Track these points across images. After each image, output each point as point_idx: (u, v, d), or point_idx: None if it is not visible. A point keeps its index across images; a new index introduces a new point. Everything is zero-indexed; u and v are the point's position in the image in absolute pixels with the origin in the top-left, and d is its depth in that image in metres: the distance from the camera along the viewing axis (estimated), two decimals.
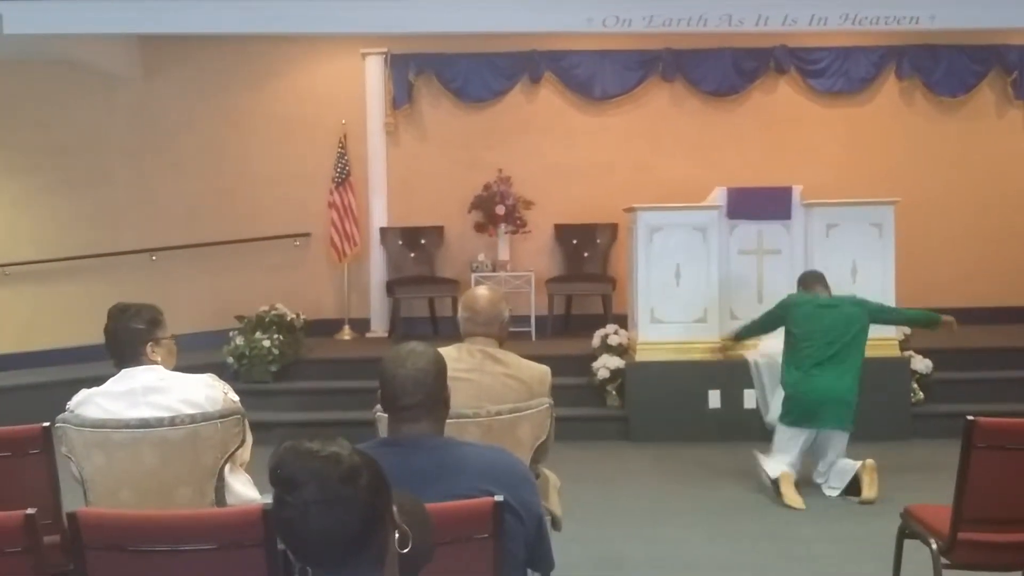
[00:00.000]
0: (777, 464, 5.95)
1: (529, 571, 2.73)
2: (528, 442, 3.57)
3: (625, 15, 7.30)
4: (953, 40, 9.28)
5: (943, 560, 3.64)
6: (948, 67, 9.51)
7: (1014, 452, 3.49)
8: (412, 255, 9.43)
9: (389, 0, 8.32)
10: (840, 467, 5.98)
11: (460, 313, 3.78)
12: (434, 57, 9.42)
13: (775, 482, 5.89)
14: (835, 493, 5.93)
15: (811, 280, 6.40)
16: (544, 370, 3.72)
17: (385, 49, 9.33)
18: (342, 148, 9.20)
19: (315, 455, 1.61)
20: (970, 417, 3.50)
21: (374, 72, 9.40)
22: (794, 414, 5.97)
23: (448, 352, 3.70)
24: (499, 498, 2.45)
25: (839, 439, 5.96)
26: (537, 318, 9.18)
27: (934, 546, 3.67)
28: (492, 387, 3.58)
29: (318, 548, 1.60)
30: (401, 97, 9.41)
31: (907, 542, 3.94)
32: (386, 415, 2.63)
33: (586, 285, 9.35)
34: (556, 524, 3.91)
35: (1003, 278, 9.50)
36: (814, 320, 6.03)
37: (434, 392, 2.58)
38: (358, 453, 1.65)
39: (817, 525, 5.46)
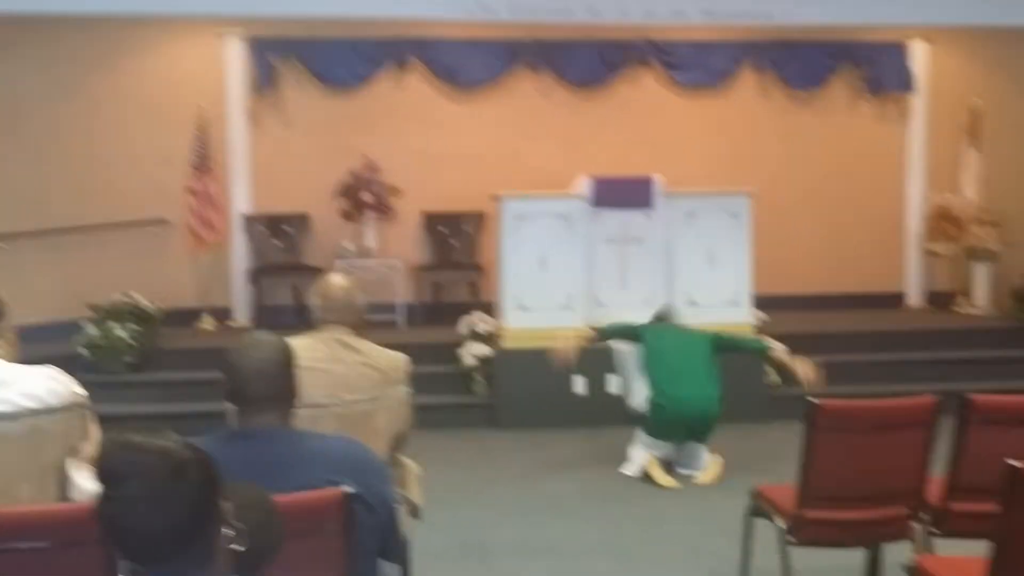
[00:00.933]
0: (640, 455, 6.11)
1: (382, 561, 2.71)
2: (385, 431, 3.55)
3: (490, 3, 7.28)
4: (807, 36, 9.62)
5: (789, 538, 3.78)
6: (803, 62, 9.84)
7: (854, 433, 3.64)
8: (276, 242, 9.24)
9: None
10: (696, 452, 6.18)
11: (314, 302, 3.72)
12: (297, 41, 9.22)
13: (644, 472, 6.06)
14: (687, 472, 6.13)
15: (665, 314, 6.77)
16: (401, 358, 3.69)
17: (246, 32, 9.09)
18: (200, 132, 8.92)
19: (141, 449, 1.55)
20: (813, 400, 3.64)
21: (235, 55, 9.15)
22: (658, 430, 6.12)
23: (302, 342, 3.64)
24: (349, 489, 2.42)
25: (701, 448, 6.18)
26: (406, 306, 9.12)
27: (780, 525, 3.80)
28: (347, 376, 3.53)
29: (142, 544, 1.54)
30: (263, 81, 9.19)
31: (760, 522, 4.07)
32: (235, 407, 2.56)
33: (454, 273, 9.35)
34: (416, 513, 3.89)
35: (854, 266, 9.91)
36: (667, 337, 6.34)
37: (281, 383, 2.52)
38: (188, 447, 1.60)
39: (679, 506, 5.60)
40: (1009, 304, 8.87)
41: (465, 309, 8.49)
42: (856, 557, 4.18)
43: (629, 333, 6.53)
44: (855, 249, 9.93)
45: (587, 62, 9.59)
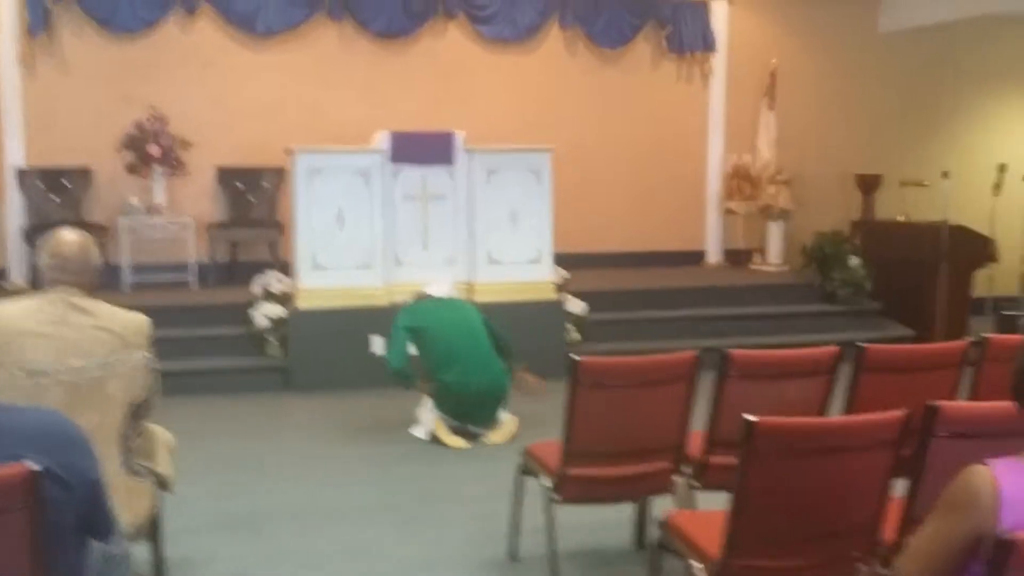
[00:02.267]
0: (428, 417, 5.99)
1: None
2: (121, 399, 3.28)
3: None
4: None
5: (554, 496, 3.72)
6: (608, 20, 9.85)
7: (615, 389, 3.59)
8: (55, 198, 8.60)
9: None
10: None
11: (43, 260, 3.37)
12: None
13: (433, 434, 5.93)
14: (478, 431, 6.05)
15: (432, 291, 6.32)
16: (142, 320, 3.40)
17: None
18: None
19: None
20: (575, 357, 3.57)
21: None
22: (450, 410, 5.98)
23: (26, 304, 3.32)
24: (35, 466, 2.16)
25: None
26: (198, 265, 8.68)
27: (546, 483, 3.74)
28: (79, 341, 3.22)
29: None
30: (37, 24, 8.46)
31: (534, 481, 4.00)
32: None
33: (251, 231, 8.95)
34: (166, 485, 3.64)
35: (656, 223, 10.07)
36: (441, 318, 6.02)
37: None
38: None
39: (465, 467, 5.51)
40: (799, 262, 9.19)
41: (264, 269, 8.15)
42: (626, 511, 4.18)
43: (408, 338, 6.03)
44: (659, 208, 10.09)
45: (390, 12, 9.30)
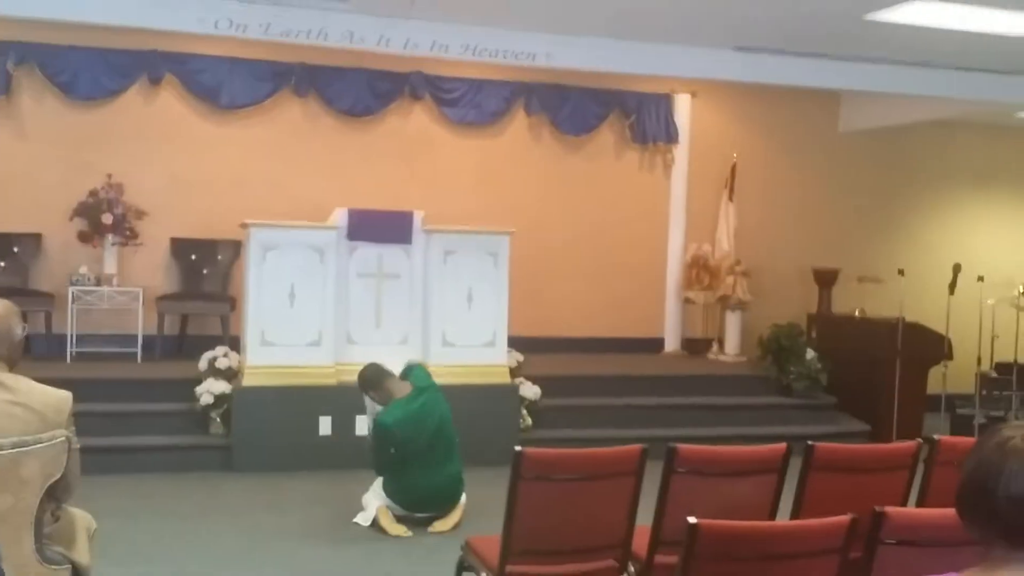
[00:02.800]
0: (373, 503, 5.79)
1: None
2: (38, 480, 3.09)
3: (240, 20, 6.89)
4: (578, 82, 9.72)
5: None
6: (573, 108, 9.94)
7: (559, 483, 3.47)
8: (2, 264, 8.41)
9: None
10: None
11: None
12: (39, 47, 8.48)
13: (375, 521, 5.73)
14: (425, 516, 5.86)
15: (377, 378, 5.95)
16: (62, 396, 3.23)
17: None
18: None
19: None
20: (517, 448, 3.45)
21: None
22: (402, 501, 5.80)
23: None
24: None
25: None
26: (145, 338, 8.48)
27: None
28: None
29: None
30: None
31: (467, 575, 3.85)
32: None
33: (202, 304, 8.77)
34: (82, 572, 3.43)
35: (616, 310, 10.03)
36: (422, 417, 5.74)
37: None
38: None
39: (404, 557, 5.32)
40: (756, 353, 9.16)
41: (214, 343, 7.96)
42: None
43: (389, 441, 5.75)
44: (619, 294, 10.06)
45: (356, 90, 9.32)
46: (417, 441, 5.64)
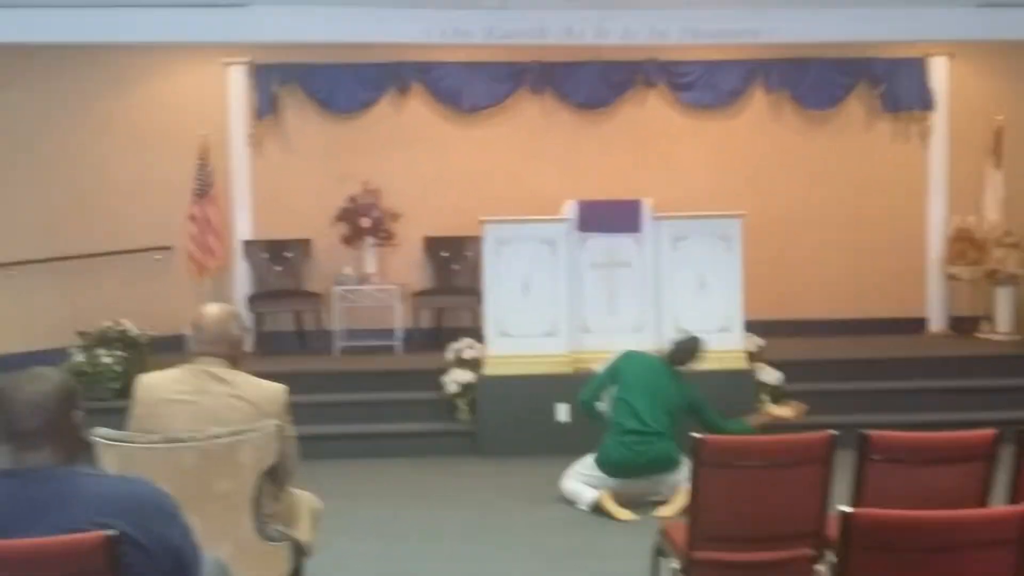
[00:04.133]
0: (586, 490, 5.93)
1: None
2: (252, 466, 3.45)
3: (463, 27, 7.23)
4: (820, 53, 9.34)
5: None
6: (815, 80, 9.55)
7: (741, 470, 3.44)
8: (277, 268, 9.27)
9: (250, 9, 8.24)
10: (664, 480, 5.98)
11: (189, 332, 3.64)
12: (298, 67, 9.27)
13: (596, 505, 5.87)
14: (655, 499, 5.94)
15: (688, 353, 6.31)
16: (277, 389, 3.58)
17: (248, 59, 9.17)
18: (203, 159, 9.02)
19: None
20: (696, 435, 3.45)
21: (237, 82, 9.23)
22: (602, 468, 5.96)
23: (170, 374, 3.60)
24: (113, 532, 2.32)
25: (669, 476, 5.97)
26: (404, 331, 9.06)
27: (674, 565, 3.61)
28: (215, 409, 3.45)
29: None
30: (265, 107, 9.25)
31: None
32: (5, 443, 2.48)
33: (454, 298, 9.25)
34: (305, 550, 3.77)
35: (872, 289, 9.56)
36: (635, 366, 6.07)
37: (57, 418, 2.43)
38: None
39: (630, 541, 5.38)
40: None
41: (467, 335, 8.38)
42: None
43: (606, 379, 6.24)
44: (874, 273, 9.58)
45: (590, 83, 9.46)
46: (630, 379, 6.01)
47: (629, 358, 6.26)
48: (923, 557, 2.46)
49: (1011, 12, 7.92)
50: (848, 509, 2.50)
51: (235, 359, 3.64)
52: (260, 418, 3.49)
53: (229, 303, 9.05)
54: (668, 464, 5.87)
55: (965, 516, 2.50)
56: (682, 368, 6.26)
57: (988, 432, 3.41)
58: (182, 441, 3.35)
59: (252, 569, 3.45)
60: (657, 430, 5.87)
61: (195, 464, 3.35)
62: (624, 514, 5.76)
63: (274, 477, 3.60)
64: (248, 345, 9.08)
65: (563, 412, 7.35)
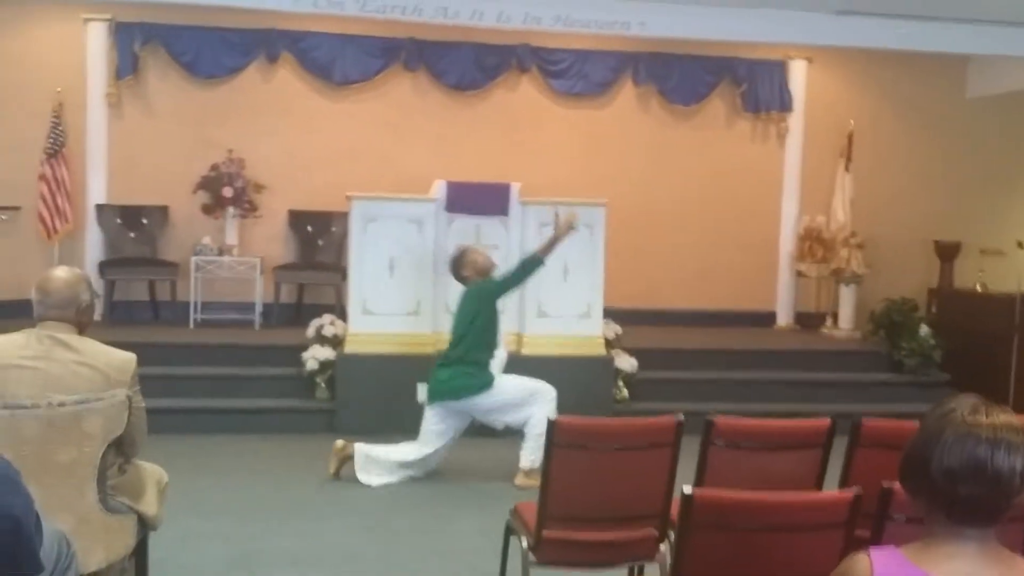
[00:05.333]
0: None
1: None
2: (100, 435, 3.34)
3: None
4: (688, 50, 9.60)
5: (531, 558, 3.66)
6: (682, 76, 9.82)
7: (592, 451, 3.53)
8: (132, 235, 8.96)
9: None
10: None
11: (33, 296, 3.49)
12: (163, 28, 8.97)
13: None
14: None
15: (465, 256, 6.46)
16: (126, 358, 3.47)
17: (109, 16, 8.81)
18: (56, 118, 8.64)
19: None
20: (551, 418, 3.52)
21: (97, 39, 8.86)
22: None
23: (14, 338, 3.44)
24: None
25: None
26: (264, 306, 8.90)
27: (524, 543, 3.68)
28: (61, 376, 3.32)
29: None
30: (125, 67, 8.91)
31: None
32: None
33: (317, 274, 9.13)
34: (151, 523, 3.68)
35: (726, 283, 9.91)
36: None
37: None
38: None
39: (484, 520, 5.45)
40: (867, 329, 8.90)
41: (330, 312, 8.29)
42: None
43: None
44: (729, 267, 9.93)
45: (463, 65, 9.47)
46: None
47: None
48: (757, 536, 2.58)
49: (867, 20, 8.30)
50: (688, 490, 2.60)
51: (83, 326, 3.51)
52: (108, 387, 3.38)
53: (79, 268, 8.84)
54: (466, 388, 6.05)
55: (797, 499, 2.64)
56: (467, 282, 6.36)
57: (824, 421, 3.60)
58: (24, 408, 3.22)
59: (95, 542, 3.35)
60: (452, 357, 6.11)
61: (38, 432, 3.23)
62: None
63: (121, 448, 3.51)
64: (98, 314, 8.78)
65: (424, 392, 7.35)
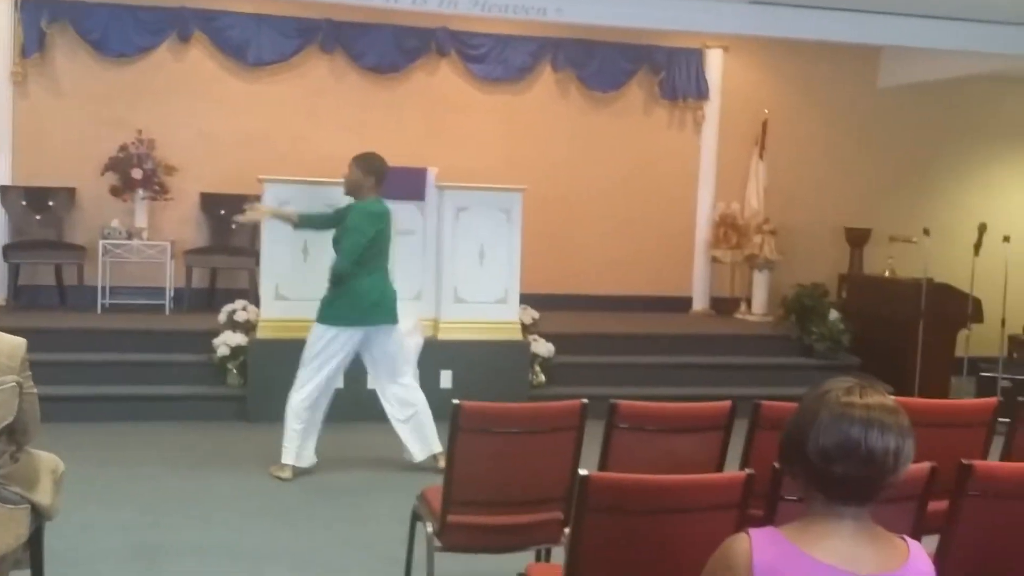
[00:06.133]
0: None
1: None
2: None
3: None
4: (606, 37, 9.63)
5: (437, 543, 3.64)
6: (601, 63, 9.85)
7: (497, 435, 3.53)
8: (37, 217, 8.69)
9: None
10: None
11: None
12: (70, 5, 8.69)
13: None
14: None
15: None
16: (15, 343, 3.35)
17: None
18: None
19: None
20: (455, 401, 3.51)
21: (1, 17, 8.55)
22: (362, 310, 6.03)
23: None
24: None
25: None
26: (175, 291, 8.71)
27: (428, 528, 3.66)
28: None
29: None
30: (31, 45, 8.62)
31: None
32: None
33: (230, 258, 8.96)
34: (46, 513, 3.58)
35: (643, 268, 10.00)
36: (388, 224, 6.26)
37: None
38: None
39: (392, 507, 5.41)
40: (778, 314, 9.07)
41: (243, 297, 8.15)
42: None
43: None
44: (646, 253, 10.02)
45: (382, 47, 9.37)
46: (385, 240, 6.00)
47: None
48: (652, 518, 2.60)
49: (781, 11, 8.42)
50: (584, 472, 2.61)
51: None
52: None
53: None
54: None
55: (690, 480, 2.67)
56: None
57: (725, 404, 3.65)
58: None
59: None
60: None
61: None
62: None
63: (12, 436, 3.40)
64: (2, 298, 8.53)
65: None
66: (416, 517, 3.89)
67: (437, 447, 6.02)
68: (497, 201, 7.75)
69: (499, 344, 7.59)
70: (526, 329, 7.90)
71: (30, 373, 3.41)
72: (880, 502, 1.88)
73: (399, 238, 7.55)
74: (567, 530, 3.62)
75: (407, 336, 6.70)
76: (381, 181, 6.08)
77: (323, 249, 7.40)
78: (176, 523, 5.02)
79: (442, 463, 6.00)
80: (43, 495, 3.57)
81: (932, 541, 2.92)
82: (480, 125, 9.65)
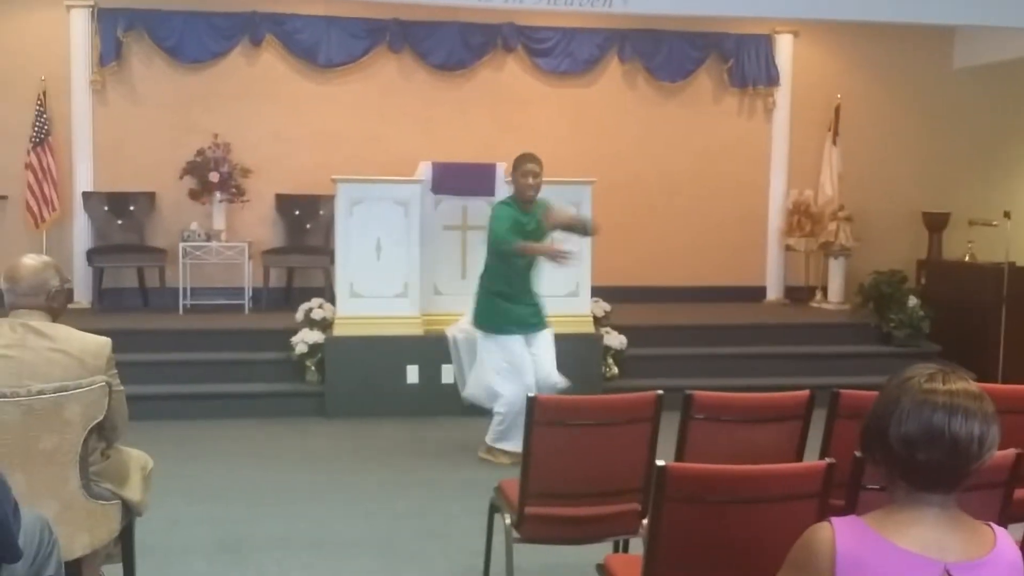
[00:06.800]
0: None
1: None
2: (80, 423, 3.35)
3: None
4: (674, 26, 9.57)
5: (515, 534, 3.68)
6: (668, 53, 9.79)
7: (573, 427, 3.54)
8: (119, 222, 8.94)
9: None
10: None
11: (2, 285, 3.50)
12: (145, 13, 8.92)
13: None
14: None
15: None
16: (101, 342, 3.47)
17: (92, 2, 8.77)
18: (41, 106, 8.61)
19: None
20: (530, 395, 3.53)
21: (79, 26, 8.81)
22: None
23: None
24: None
25: None
26: (254, 290, 8.90)
27: (507, 520, 3.70)
28: (35, 364, 3.33)
29: None
30: (109, 54, 8.87)
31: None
32: None
33: (306, 257, 9.12)
34: (136, 508, 3.69)
35: (716, 259, 9.91)
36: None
37: None
38: None
39: (471, 501, 5.47)
40: (856, 301, 8.92)
41: (318, 295, 8.29)
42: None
43: None
44: (718, 242, 9.93)
45: (449, 44, 9.44)
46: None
47: None
48: (731, 508, 2.60)
49: None
50: (662, 463, 2.62)
51: (54, 312, 3.52)
52: (83, 373, 3.39)
53: (68, 256, 8.83)
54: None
55: (770, 470, 2.65)
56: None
57: (803, 393, 3.62)
58: (3, 397, 3.23)
59: (79, 528, 3.37)
60: None
61: (18, 420, 3.24)
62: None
63: (103, 434, 3.51)
64: (87, 301, 8.79)
65: (413, 374, 7.39)
66: (494, 509, 3.93)
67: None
68: (567, 194, 7.73)
69: (572, 337, 7.57)
70: (598, 322, 7.90)
71: (116, 371, 3.52)
72: (965, 490, 1.86)
73: (472, 233, 7.68)
74: (644, 521, 3.63)
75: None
76: None
77: (396, 246, 7.52)
78: (260, 516, 5.13)
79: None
80: (133, 491, 3.69)
81: (1018, 529, 2.86)
82: (548, 119, 9.65)
